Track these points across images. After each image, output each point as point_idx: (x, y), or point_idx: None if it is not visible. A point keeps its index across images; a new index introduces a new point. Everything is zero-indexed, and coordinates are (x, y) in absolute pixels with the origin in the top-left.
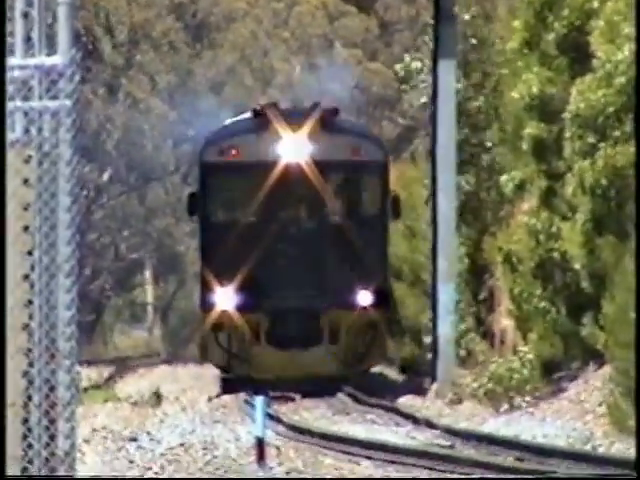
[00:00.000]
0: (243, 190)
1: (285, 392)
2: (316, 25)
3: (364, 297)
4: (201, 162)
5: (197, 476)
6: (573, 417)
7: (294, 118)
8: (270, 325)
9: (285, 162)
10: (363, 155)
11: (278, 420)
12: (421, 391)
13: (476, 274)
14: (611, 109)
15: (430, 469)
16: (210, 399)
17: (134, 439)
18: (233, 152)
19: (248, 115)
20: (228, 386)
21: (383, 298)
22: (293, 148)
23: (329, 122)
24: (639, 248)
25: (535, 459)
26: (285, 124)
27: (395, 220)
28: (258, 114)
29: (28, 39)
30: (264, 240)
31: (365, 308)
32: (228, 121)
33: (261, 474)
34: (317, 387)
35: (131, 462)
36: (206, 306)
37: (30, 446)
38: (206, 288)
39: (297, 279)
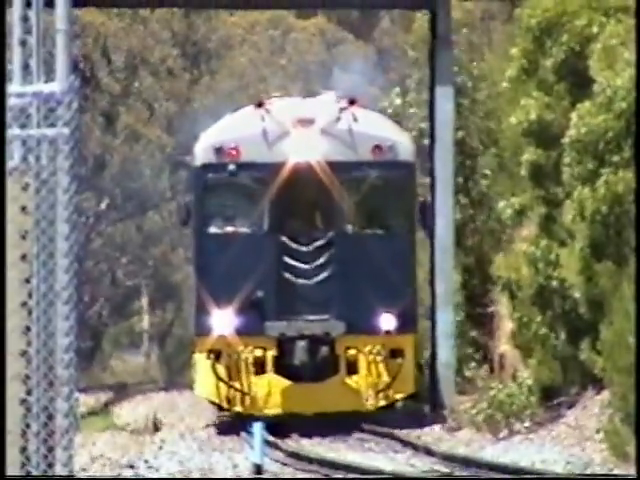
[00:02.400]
0: (244, 196)
1: (295, 432)
2: (313, 52)
3: (387, 320)
4: (195, 164)
5: None
6: (572, 443)
7: (304, 111)
8: (277, 353)
9: (294, 163)
10: (386, 154)
11: (276, 447)
12: (421, 418)
13: (474, 300)
14: (611, 134)
15: None
16: (207, 426)
17: (132, 466)
18: (232, 151)
19: (250, 108)
20: (226, 426)
21: (410, 321)
22: (303, 146)
23: (346, 115)
24: (639, 275)
25: None
26: (294, 118)
27: (424, 230)
28: (262, 107)
29: (26, 66)
30: (269, 254)
31: (389, 332)
32: (227, 115)
33: None
34: (333, 426)
35: None
36: (201, 330)
37: (28, 474)
38: (201, 310)
39: (309, 299)
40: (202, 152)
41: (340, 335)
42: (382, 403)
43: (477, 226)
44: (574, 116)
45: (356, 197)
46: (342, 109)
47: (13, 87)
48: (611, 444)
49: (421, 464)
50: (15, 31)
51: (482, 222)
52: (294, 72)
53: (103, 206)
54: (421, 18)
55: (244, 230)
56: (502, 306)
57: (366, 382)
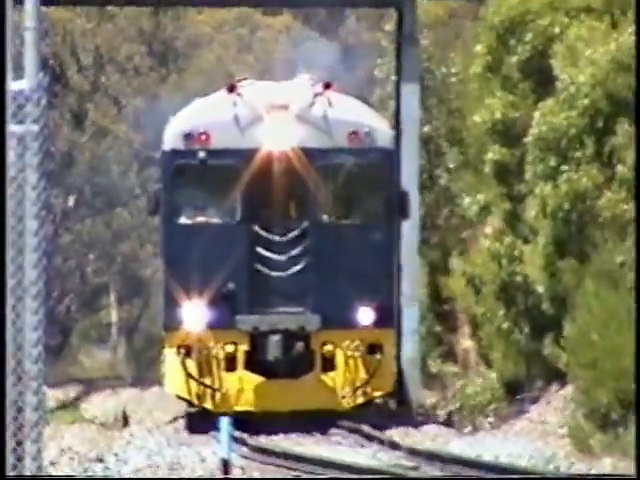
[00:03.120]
0: (215, 184)
1: (268, 431)
2: (280, 49)
3: (365, 314)
4: (164, 150)
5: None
6: (535, 437)
7: (278, 96)
8: (250, 348)
9: (267, 150)
10: (363, 140)
11: (242, 441)
12: (387, 413)
13: (438, 297)
14: (574, 131)
15: None
16: (174, 420)
17: (100, 460)
18: (202, 137)
19: (222, 93)
20: (195, 423)
21: (389, 315)
22: (277, 132)
23: (321, 100)
24: (639, 274)
25: (497, 478)
26: (267, 103)
27: (404, 220)
28: (234, 91)
29: None
30: (241, 245)
31: (367, 327)
32: (197, 100)
33: None
34: (308, 425)
35: None
36: (171, 325)
37: None
38: (170, 303)
39: (283, 292)
40: (171, 138)
41: (315, 330)
42: (360, 401)
43: (441, 223)
44: (537, 114)
45: (332, 185)
46: (317, 94)
47: None
48: (574, 439)
49: (387, 458)
50: None
51: (445, 219)
52: (261, 69)
53: (71, 203)
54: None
55: (215, 220)
56: (466, 302)
57: (343, 379)
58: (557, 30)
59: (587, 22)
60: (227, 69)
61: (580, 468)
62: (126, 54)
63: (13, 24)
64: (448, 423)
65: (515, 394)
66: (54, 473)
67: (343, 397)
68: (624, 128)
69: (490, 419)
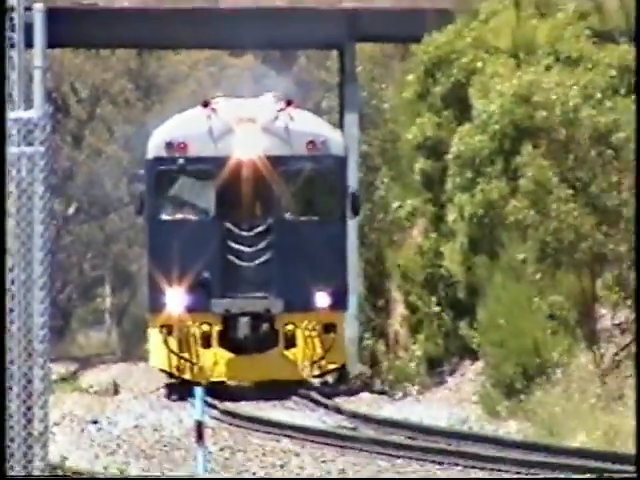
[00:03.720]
0: (192, 186)
1: (237, 398)
2: (243, 85)
3: (321, 298)
4: (148, 158)
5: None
6: (452, 404)
7: (246, 111)
8: (222, 328)
9: (237, 157)
10: (319, 149)
11: (213, 406)
12: (331, 384)
13: (375, 288)
14: (486, 151)
15: (339, 446)
16: (157, 389)
17: (95, 422)
18: (181, 146)
19: (198, 108)
20: (174, 392)
21: (341, 300)
22: (245, 142)
23: (283, 114)
24: (639, 273)
25: (422, 437)
26: (237, 117)
27: (354, 218)
28: (208, 107)
29: (10, 96)
30: (215, 239)
31: (323, 310)
32: (176, 115)
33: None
34: (272, 393)
35: (92, 441)
36: (155, 308)
37: (11, 428)
38: (154, 289)
39: (251, 280)
40: (154, 147)
41: (279, 312)
42: (316, 373)
43: (376, 226)
44: (456, 136)
45: (293, 187)
46: (280, 109)
47: None
48: (484, 405)
49: (331, 421)
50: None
51: (379, 222)
52: None
53: (71, 210)
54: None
55: (192, 217)
56: (398, 291)
57: (302, 354)
58: (479, 65)
59: (501, 60)
60: (200, 101)
61: (489, 428)
62: (117, 88)
63: (24, 63)
64: (381, 392)
65: (436, 368)
66: (57, 432)
67: (302, 370)
68: (527, 149)
69: (416, 388)
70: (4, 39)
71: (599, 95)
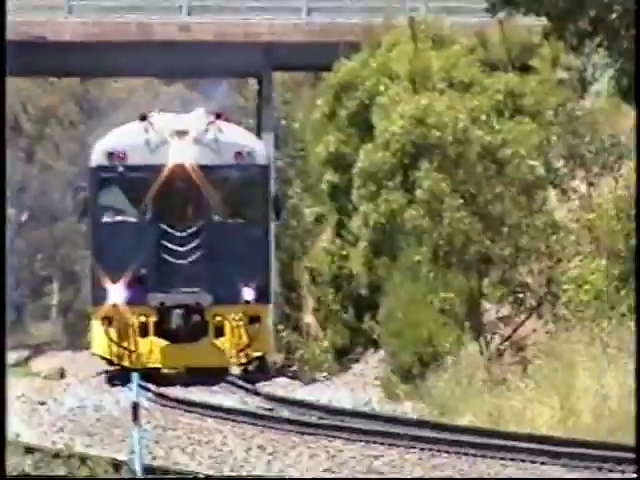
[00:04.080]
0: (131, 191)
1: (171, 383)
2: (174, 109)
3: (247, 292)
4: (91, 166)
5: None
6: (357, 387)
7: (180, 124)
8: (158, 319)
9: (171, 166)
10: (246, 158)
11: (148, 390)
12: (251, 370)
13: (288, 285)
14: (387, 167)
15: (257, 425)
16: (99, 374)
17: (44, 403)
18: (121, 155)
19: (136, 122)
20: (114, 377)
21: (265, 293)
22: (178, 152)
23: (213, 127)
24: (639, 273)
25: (330, 416)
26: (171, 130)
27: (277, 221)
28: (145, 120)
29: None
30: (151, 239)
31: (248, 302)
32: (116, 128)
33: (138, 433)
34: (203, 378)
35: (42, 420)
36: (97, 300)
37: None
38: (97, 284)
39: (183, 276)
40: (96, 156)
41: (208, 305)
42: (243, 360)
43: (290, 232)
44: (361, 153)
45: (221, 193)
46: (210, 122)
47: None
48: (385, 388)
49: (251, 402)
50: None
51: (293, 228)
52: None
53: (24, 217)
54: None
55: (131, 219)
56: (308, 289)
57: (230, 343)
58: (382, 88)
59: (400, 85)
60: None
61: (389, 408)
62: (63, 111)
63: None
64: (294, 377)
65: (343, 356)
66: (11, 413)
67: (230, 357)
68: (423, 165)
69: (325, 374)
70: None
71: (484, 117)
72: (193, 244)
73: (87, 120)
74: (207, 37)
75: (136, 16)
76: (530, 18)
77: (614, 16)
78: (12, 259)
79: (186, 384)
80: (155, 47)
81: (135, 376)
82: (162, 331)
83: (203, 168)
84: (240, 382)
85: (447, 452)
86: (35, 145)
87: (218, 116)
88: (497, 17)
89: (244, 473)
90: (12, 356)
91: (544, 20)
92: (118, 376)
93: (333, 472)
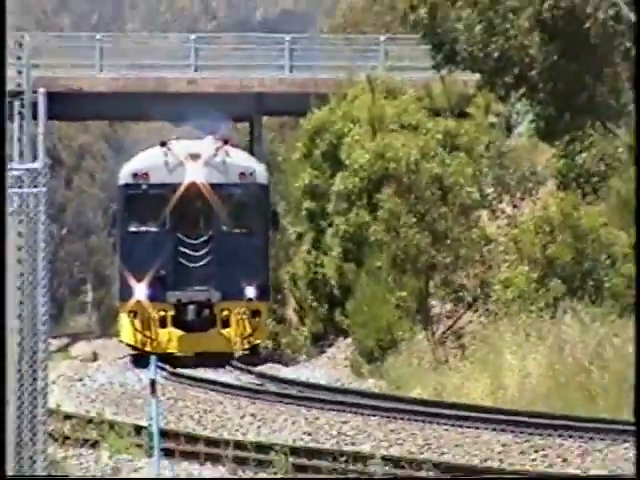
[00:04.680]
0: (152, 205)
1: (183, 365)
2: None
3: (249, 291)
4: (119, 184)
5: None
6: (330, 367)
7: (193, 149)
8: (175, 313)
9: (186, 184)
10: (248, 178)
11: (163, 369)
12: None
13: (275, 287)
14: (357, 190)
15: (250, 397)
16: (124, 357)
17: (80, 380)
18: (144, 175)
19: (157, 147)
20: (137, 360)
21: (265, 292)
22: (192, 172)
23: (221, 151)
24: (639, 274)
25: (309, 390)
26: (186, 154)
27: (275, 231)
28: (165, 146)
29: (21, 153)
30: (169, 245)
31: (250, 299)
32: (140, 153)
33: (152, 403)
34: (212, 361)
35: (78, 393)
36: (124, 297)
37: (21, 386)
38: (124, 283)
39: (196, 277)
40: (123, 176)
41: (217, 301)
42: (246, 346)
43: (277, 244)
44: (337, 179)
45: (228, 207)
46: (218, 147)
47: (13, 164)
48: (353, 368)
49: (244, 379)
50: (15, 134)
51: (279, 241)
52: None
53: (64, 232)
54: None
55: (152, 229)
56: (290, 290)
57: (235, 332)
58: (346, 130)
59: (361, 128)
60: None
61: (355, 384)
62: (96, 147)
63: (31, 130)
64: (280, 360)
65: (318, 342)
66: (55, 388)
67: (235, 344)
68: (385, 190)
69: (304, 357)
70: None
71: (433, 153)
72: (204, 250)
73: (115, 155)
74: (210, 89)
75: (154, 72)
76: (467, 74)
77: (533, 73)
78: (55, 266)
79: (195, 366)
80: (169, 97)
81: (153, 358)
82: (178, 322)
83: (213, 186)
84: (240, 365)
85: (402, 419)
86: (73, 174)
87: (225, 142)
88: (440, 73)
89: (239, 435)
90: (55, 343)
91: (478, 75)
92: (140, 359)
93: (310, 435)
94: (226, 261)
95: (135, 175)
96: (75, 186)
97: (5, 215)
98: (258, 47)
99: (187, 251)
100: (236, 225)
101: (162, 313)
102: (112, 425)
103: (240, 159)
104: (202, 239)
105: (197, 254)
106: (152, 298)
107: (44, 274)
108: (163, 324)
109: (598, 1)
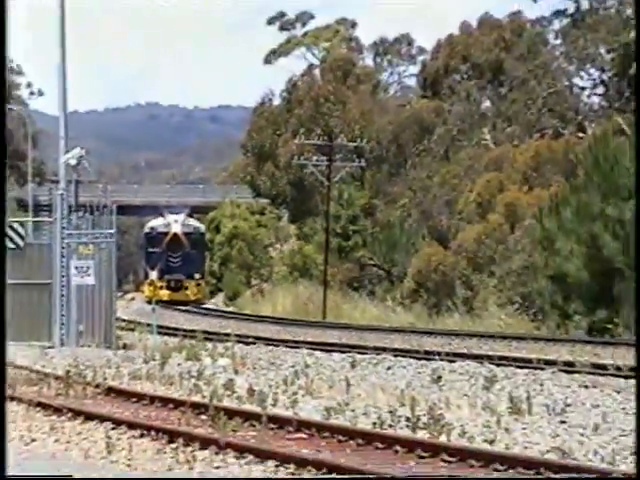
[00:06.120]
0: (158, 240)
1: (169, 304)
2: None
3: (197, 276)
4: (145, 232)
5: None
6: (213, 303)
7: (175, 217)
8: (166, 284)
9: (172, 231)
10: (197, 230)
11: (157, 303)
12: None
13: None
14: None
15: (195, 313)
16: (147, 301)
17: (127, 307)
18: (155, 228)
19: (161, 217)
20: (149, 301)
21: (202, 276)
22: (174, 226)
23: (186, 218)
24: (639, 276)
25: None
26: (172, 219)
27: (207, 251)
28: (163, 216)
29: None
30: (165, 256)
31: (197, 279)
32: (152, 220)
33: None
34: (181, 303)
35: (126, 312)
36: (146, 277)
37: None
38: (145, 272)
39: (175, 270)
40: (146, 228)
41: (184, 279)
42: (195, 298)
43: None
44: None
45: (189, 241)
46: (186, 216)
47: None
48: (224, 304)
49: (195, 310)
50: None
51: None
52: None
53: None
54: None
55: (158, 250)
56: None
57: (191, 292)
58: (239, 229)
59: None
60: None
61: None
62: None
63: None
64: (203, 303)
65: (213, 295)
66: (119, 309)
67: (191, 297)
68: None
69: (208, 300)
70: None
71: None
72: (179, 259)
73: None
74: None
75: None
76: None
77: None
78: (119, 266)
79: (174, 304)
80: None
81: (154, 301)
82: (168, 287)
83: (183, 233)
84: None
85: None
86: (122, 235)
87: (190, 215)
88: None
89: (190, 326)
90: (118, 294)
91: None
92: (150, 302)
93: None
94: (188, 263)
95: (152, 228)
96: (122, 234)
97: (5, 218)
98: None
99: (172, 259)
100: (192, 248)
101: (161, 284)
102: (139, 323)
103: (193, 221)
104: (179, 254)
105: (176, 260)
106: (159, 278)
107: (114, 269)
108: (161, 288)
109: None
